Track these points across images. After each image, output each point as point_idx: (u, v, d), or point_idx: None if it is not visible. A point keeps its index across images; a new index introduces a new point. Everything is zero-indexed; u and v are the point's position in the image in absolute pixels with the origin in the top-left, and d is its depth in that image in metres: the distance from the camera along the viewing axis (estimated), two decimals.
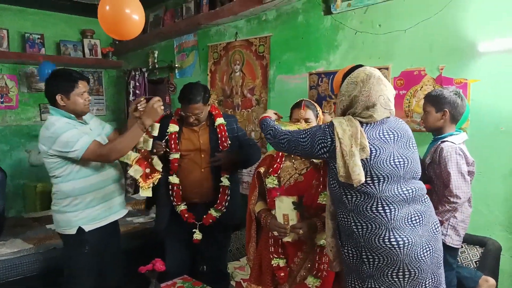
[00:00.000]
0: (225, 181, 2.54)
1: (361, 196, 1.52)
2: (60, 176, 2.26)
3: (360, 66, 1.68)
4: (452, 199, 2.05)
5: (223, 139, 2.54)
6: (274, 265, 1.99)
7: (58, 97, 2.22)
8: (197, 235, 2.55)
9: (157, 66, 4.97)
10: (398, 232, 1.48)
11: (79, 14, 5.31)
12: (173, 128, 2.55)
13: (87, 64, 5.51)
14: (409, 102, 2.68)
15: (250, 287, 2.13)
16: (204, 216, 2.54)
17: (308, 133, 1.66)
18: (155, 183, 2.38)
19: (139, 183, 2.34)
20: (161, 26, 4.77)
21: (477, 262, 2.34)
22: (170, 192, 2.56)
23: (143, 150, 2.38)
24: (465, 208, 2.17)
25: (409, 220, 1.51)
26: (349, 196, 1.55)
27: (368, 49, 2.88)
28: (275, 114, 2.04)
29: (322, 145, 1.58)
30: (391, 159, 1.52)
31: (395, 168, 1.52)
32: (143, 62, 5.16)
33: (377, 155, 1.51)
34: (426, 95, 2.25)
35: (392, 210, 1.50)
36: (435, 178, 2.13)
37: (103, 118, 5.78)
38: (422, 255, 1.49)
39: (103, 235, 2.38)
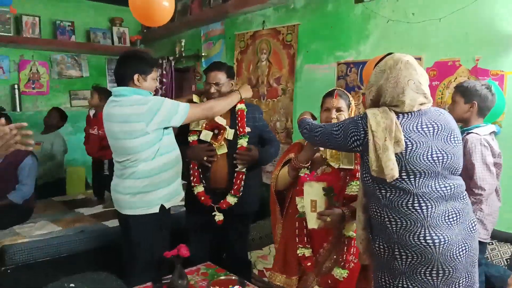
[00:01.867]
0: (240, 167, 2.51)
1: (396, 191, 1.47)
2: (145, 156, 2.24)
3: (390, 54, 1.61)
4: (476, 191, 2.02)
5: (241, 124, 2.51)
6: (299, 254, 1.97)
7: (135, 76, 2.26)
8: (219, 216, 2.52)
9: (184, 54, 4.99)
10: (434, 230, 1.42)
11: (109, 2, 5.37)
12: (196, 99, 2.59)
13: (116, 52, 5.57)
14: (442, 94, 2.60)
15: (274, 275, 2.12)
16: (222, 201, 2.51)
17: (341, 125, 1.59)
18: (227, 137, 2.48)
19: (214, 144, 2.47)
20: (189, 15, 4.77)
21: (508, 260, 2.27)
22: (189, 172, 2.58)
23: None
24: (493, 201, 2.13)
25: (446, 217, 1.44)
26: (383, 191, 1.49)
27: (400, 39, 2.80)
28: (311, 115, 2.00)
29: (355, 137, 1.52)
30: (429, 153, 1.44)
31: (433, 163, 1.44)
32: (170, 51, 5.19)
33: (413, 149, 1.43)
34: (457, 85, 2.23)
35: (429, 207, 1.43)
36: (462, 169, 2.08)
37: None
38: (458, 254, 1.43)
39: (160, 218, 2.36)
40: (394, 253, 1.48)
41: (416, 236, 1.43)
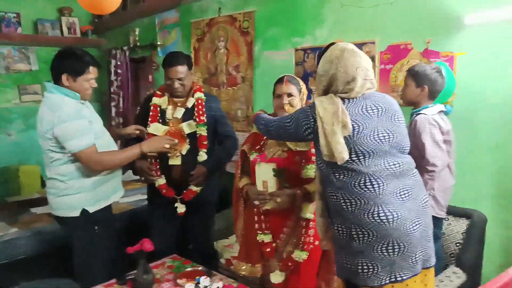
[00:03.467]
0: (201, 156, 2.49)
1: (348, 173, 1.52)
2: (61, 158, 2.17)
3: (333, 44, 1.68)
4: (429, 168, 2.12)
5: (200, 112, 2.49)
6: (259, 240, 2.00)
7: (64, 77, 2.13)
8: (180, 208, 2.50)
9: (138, 44, 4.84)
10: (387, 206, 1.48)
11: None
12: (156, 100, 2.53)
13: (66, 43, 5.31)
14: (395, 77, 2.66)
15: (239, 265, 2.14)
16: (185, 191, 2.50)
17: (292, 117, 1.68)
18: (182, 152, 2.45)
19: (169, 153, 2.42)
20: (142, 2, 4.63)
21: (463, 234, 2.39)
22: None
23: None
24: (445, 178, 2.24)
25: (398, 194, 1.51)
26: (336, 174, 1.55)
27: (355, 23, 2.84)
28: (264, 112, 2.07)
29: (306, 126, 1.60)
30: (375, 134, 1.52)
31: (379, 142, 1.52)
32: (124, 41, 5.02)
33: (360, 131, 1.51)
34: (409, 69, 2.30)
35: (380, 184, 1.49)
36: (413, 150, 2.15)
37: None
38: (411, 229, 1.49)
39: (107, 214, 2.35)
40: (351, 233, 1.53)
41: (370, 214, 1.48)
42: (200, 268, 2.27)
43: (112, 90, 4.97)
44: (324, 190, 1.67)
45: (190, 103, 2.50)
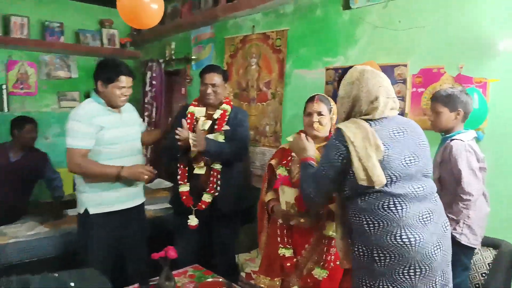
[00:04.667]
0: (216, 164, 2.55)
1: (373, 195, 1.53)
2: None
3: (349, 68, 1.73)
4: (464, 197, 2.05)
5: (219, 122, 2.58)
6: (280, 254, 2.02)
7: (99, 83, 2.38)
8: (192, 221, 2.55)
9: (174, 57, 4.99)
10: (409, 229, 1.48)
11: (98, 3, 5.35)
12: (191, 109, 2.64)
13: (105, 53, 5.53)
14: (427, 100, 2.64)
15: (259, 278, 2.15)
16: (199, 203, 2.55)
17: (322, 160, 1.66)
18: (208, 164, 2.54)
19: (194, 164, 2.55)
20: (179, 18, 4.79)
21: (490, 265, 2.32)
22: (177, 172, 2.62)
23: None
24: (481, 206, 2.16)
25: (420, 217, 1.51)
26: (362, 196, 1.55)
27: (387, 45, 2.85)
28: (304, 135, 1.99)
29: (339, 154, 1.56)
30: (402, 157, 1.53)
31: (406, 166, 1.53)
32: (160, 54, 5.19)
33: (389, 154, 1.51)
34: (435, 96, 2.24)
35: (404, 207, 1.50)
36: (447, 176, 2.12)
37: None
38: (433, 253, 1.49)
39: (112, 221, 2.47)
40: (373, 255, 1.53)
41: (393, 236, 1.48)
42: (220, 279, 2.29)
43: (146, 100, 5.11)
44: (346, 211, 1.67)
45: (216, 114, 2.59)
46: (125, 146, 2.49)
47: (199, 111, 2.62)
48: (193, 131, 2.53)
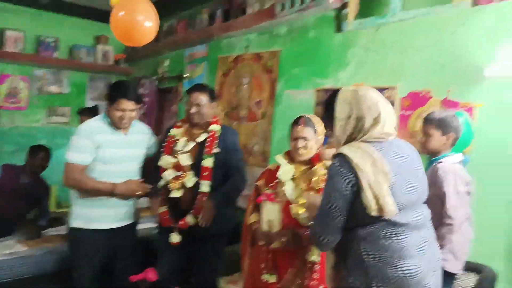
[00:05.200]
0: (203, 187, 2.44)
1: (377, 224, 1.44)
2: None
3: (336, 90, 1.61)
4: (447, 221, 2.01)
5: (209, 144, 2.48)
6: (263, 280, 1.97)
7: (106, 102, 2.44)
8: (174, 238, 2.47)
9: (167, 75, 4.99)
10: (411, 260, 1.42)
11: (95, 19, 5.38)
12: (173, 131, 2.58)
13: (98, 69, 5.56)
14: (414, 123, 2.64)
15: None
16: (181, 222, 2.47)
17: (327, 191, 1.48)
18: (187, 185, 2.44)
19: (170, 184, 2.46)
20: (174, 36, 4.81)
21: None
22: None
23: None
24: (466, 230, 2.11)
25: (419, 246, 1.45)
26: (363, 226, 1.46)
27: (377, 68, 2.85)
28: None
29: (347, 181, 1.41)
30: (405, 184, 1.46)
31: (409, 194, 1.46)
32: (153, 71, 5.20)
33: (394, 182, 1.42)
34: (428, 118, 2.20)
35: (406, 237, 1.43)
36: (433, 199, 2.08)
37: None
38: (429, 281, 1.44)
39: (100, 238, 2.43)
40: (371, 287, 1.44)
41: (394, 267, 1.41)
42: None
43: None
44: (342, 241, 1.54)
45: (201, 138, 2.51)
46: (120, 167, 2.47)
47: (179, 132, 2.56)
48: (172, 152, 2.51)
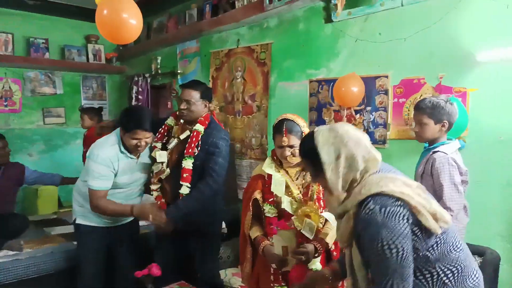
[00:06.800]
0: (182, 190, 2.42)
1: (441, 239, 1.32)
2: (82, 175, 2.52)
3: (309, 134, 1.48)
4: None
5: (192, 145, 2.43)
6: None
7: (121, 128, 2.42)
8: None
9: (160, 72, 5.00)
10: (474, 263, 1.38)
11: (84, 19, 5.35)
12: (170, 121, 2.62)
13: (91, 69, 5.56)
14: (408, 111, 2.68)
15: None
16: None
17: (389, 242, 1.24)
18: (162, 177, 2.52)
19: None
20: (165, 32, 4.81)
21: None
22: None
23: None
24: (461, 218, 2.15)
25: (467, 249, 1.41)
26: (434, 246, 1.32)
27: (368, 57, 2.89)
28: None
29: (406, 219, 1.25)
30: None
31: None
32: (146, 68, 5.20)
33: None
34: (419, 106, 2.14)
35: (460, 241, 1.36)
36: (428, 189, 2.11)
37: None
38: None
39: (101, 233, 2.54)
40: None
41: (471, 277, 1.34)
42: None
43: None
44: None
45: (183, 135, 2.48)
46: (131, 191, 2.56)
47: (172, 121, 2.61)
48: (162, 139, 2.58)
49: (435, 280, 1.32)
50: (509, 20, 2.26)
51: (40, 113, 5.29)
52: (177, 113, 2.57)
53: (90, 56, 5.51)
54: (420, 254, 1.30)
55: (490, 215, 2.36)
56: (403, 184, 1.30)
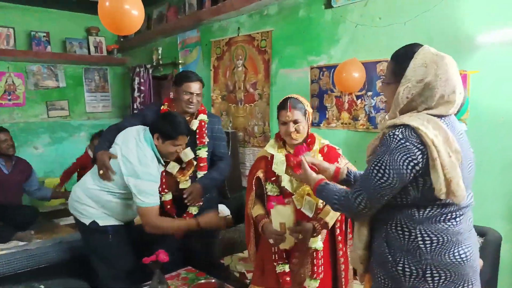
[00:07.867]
0: (194, 206, 2.58)
1: (438, 206, 1.31)
2: (101, 187, 2.36)
3: (418, 45, 1.39)
4: None
5: (200, 134, 2.56)
6: (278, 271, 2.00)
7: (155, 136, 2.32)
8: (165, 197, 2.59)
9: (161, 62, 5.01)
10: (465, 243, 1.33)
11: (84, 11, 5.35)
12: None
13: (93, 61, 5.57)
14: None
15: None
16: (184, 214, 2.57)
17: (381, 164, 1.29)
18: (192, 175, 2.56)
19: (178, 178, 2.56)
20: (165, 23, 4.81)
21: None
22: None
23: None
24: None
25: (470, 228, 1.37)
26: (422, 209, 1.32)
27: (369, 42, 2.89)
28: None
29: (410, 160, 1.24)
30: (467, 164, 1.35)
31: (470, 174, 1.37)
32: (147, 59, 5.21)
33: (461, 162, 1.28)
34: None
35: (462, 219, 1.34)
36: None
37: (109, 114, 5.86)
38: (477, 263, 1.38)
39: (121, 227, 2.47)
40: (425, 275, 1.32)
41: (451, 253, 1.31)
42: (213, 280, 2.31)
43: (135, 106, 5.13)
44: (387, 222, 1.39)
45: (194, 125, 2.56)
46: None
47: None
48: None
49: (411, 240, 1.33)
50: (509, 2, 2.26)
51: (44, 106, 5.32)
52: (180, 106, 2.56)
53: (92, 48, 5.52)
54: (410, 207, 1.33)
55: (491, 196, 2.39)
56: (441, 136, 1.24)
